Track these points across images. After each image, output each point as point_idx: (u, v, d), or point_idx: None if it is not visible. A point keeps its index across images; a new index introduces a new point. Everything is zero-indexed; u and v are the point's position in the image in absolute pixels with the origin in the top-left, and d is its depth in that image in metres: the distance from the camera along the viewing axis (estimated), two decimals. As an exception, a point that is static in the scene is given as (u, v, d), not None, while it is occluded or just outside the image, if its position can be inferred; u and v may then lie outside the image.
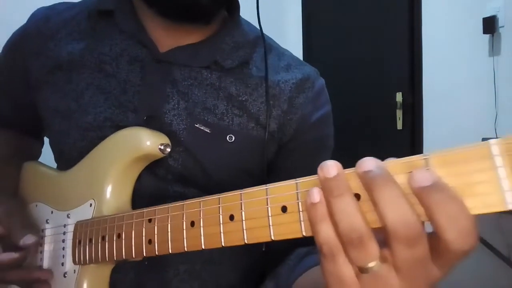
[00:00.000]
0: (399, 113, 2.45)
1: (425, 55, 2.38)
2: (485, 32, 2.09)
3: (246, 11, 0.70)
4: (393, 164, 0.30)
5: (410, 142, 2.43)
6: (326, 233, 0.31)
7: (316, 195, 0.31)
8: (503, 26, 2.06)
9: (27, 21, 0.69)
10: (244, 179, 0.38)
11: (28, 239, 0.56)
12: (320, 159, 0.32)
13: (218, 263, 0.64)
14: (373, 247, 0.30)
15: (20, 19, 0.71)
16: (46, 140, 0.74)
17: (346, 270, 0.31)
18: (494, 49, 2.09)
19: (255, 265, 0.69)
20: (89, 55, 0.63)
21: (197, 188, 0.60)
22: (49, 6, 0.69)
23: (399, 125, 2.45)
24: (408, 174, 0.29)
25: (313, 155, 0.64)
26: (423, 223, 0.29)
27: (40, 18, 0.67)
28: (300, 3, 3.02)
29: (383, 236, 0.30)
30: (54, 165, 0.69)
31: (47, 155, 0.76)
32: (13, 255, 0.56)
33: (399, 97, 2.46)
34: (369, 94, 2.62)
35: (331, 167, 0.30)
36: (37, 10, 0.69)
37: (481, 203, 0.28)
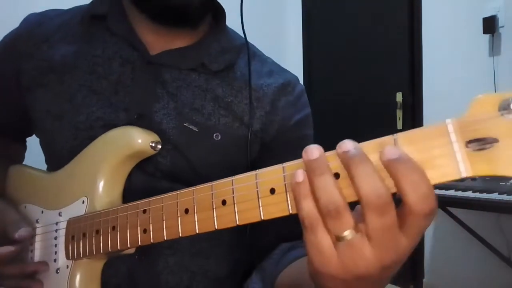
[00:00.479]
0: (399, 113, 2.45)
1: (425, 55, 2.38)
2: (485, 32, 2.09)
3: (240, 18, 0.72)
4: (368, 144, 0.35)
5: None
6: (308, 208, 0.35)
7: (300, 175, 0.35)
8: (503, 26, 2.06)
9: (20, 25, 0.70)
10: (229, 175, 0.43)
11: (23, 232, 0.58)
12: (300, 158, 0.36)
13: (206, 256, 0.66)
14: (348, 218, 0.34)
15: (12, 22, 0.72)
16: (33, 143, 0.75)
17: (324, 240, 0.35)
18: (494, 49, 2.09)
19: (242, 259, 0.71)
20: (82, 58, 0.65)
21: (185, 184, 0.62)
22: (41, 12, 0.71)
23: (399, 125, 2.45)
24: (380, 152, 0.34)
25: (293, 154, 0.65)
26: (391, 194, 0.33)
27: (32, 22, 0.69)
28: (300, 3, 3.02)
29: (359, 217, 0.34)
30: (40, 167, 0.70)
31: (33, 157, 0.76)
32: (10, 248, 0.57)
33: (399, 97, 2.46)
34: (369, 94, 2.62)
35: (314, 150, 0.35)
36: (30, 15, 0.71)
37: (440, 173, 0.32)
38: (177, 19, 0.62)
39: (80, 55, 0.65)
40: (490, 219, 1.99)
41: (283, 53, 2.79)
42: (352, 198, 0.34)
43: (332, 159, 0.35)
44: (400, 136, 0.34)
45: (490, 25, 2.07)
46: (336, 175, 0.35)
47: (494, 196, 1.62)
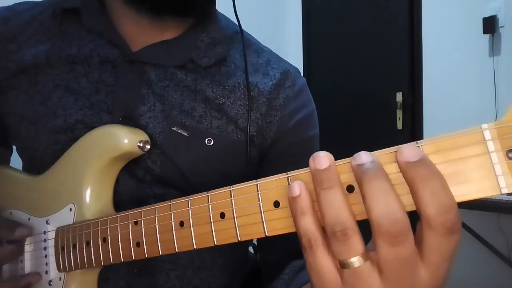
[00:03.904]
0: (399, 113, 2.45)
1: (425, 55, 2.38)
2: (485, 32, 2.09)
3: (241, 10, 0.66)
4: (385, 153, 0.30)
5: (410, 142, 2.43)
6: (306, 225, 0.30)
7: (297, 189, 0.30)
8: (503, 26, 2.06)
9: None
10: (224, 183, 0.38)
11: (21, 230, 0.55)
12: (306, 165, 0.32)
13: (209, 267, 0.62)
14: (356, 242, 0.29)
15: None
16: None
17: (324, 262, 0.30)
18: (494, 49, 2.09)
19: (243, 262, 0.68)
20: (56, 56, 0.59)
21: (178, 190, 0.58)
22: (8, 7, 0.64)
23: (399, 125, 2.44)
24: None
25: (298, 162, 0.59)
26: (409, 221, 0.28)
27: None
28: (300, 3, 3.02)
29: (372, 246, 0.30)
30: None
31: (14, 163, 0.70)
32: (10, 246, 0.55)
33: (399, 97, 2.45)
34: (369, 94, 2.61)
35: (322, 159, 0.30)
36: None
37: (475, 189, 0.28)
38: (164, 5, 0.54)
39: (54, 53, 0.59)
40: (490, 219, 1.99)
41: (281, 55, 2.78)
42: (364, 216, 0.30)
43: (345, 170, 0.31)
44: (425, 143, 0.29)
45: (490, 25, 2.07)
46: (350, 188, 0.30)
47: (494, 196, 1.62)
